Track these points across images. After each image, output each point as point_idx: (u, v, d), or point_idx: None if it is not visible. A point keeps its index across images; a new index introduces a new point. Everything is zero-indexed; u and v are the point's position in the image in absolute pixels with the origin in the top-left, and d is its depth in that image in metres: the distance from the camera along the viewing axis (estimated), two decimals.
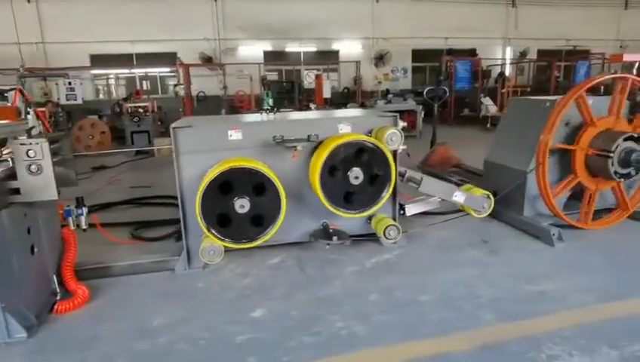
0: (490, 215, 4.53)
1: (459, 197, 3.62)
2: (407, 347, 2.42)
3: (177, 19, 17.12)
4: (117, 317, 2.87)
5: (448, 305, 2.86)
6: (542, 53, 21.05)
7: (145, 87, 17.54)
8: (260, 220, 3.26)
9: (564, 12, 21.07)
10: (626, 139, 3.74)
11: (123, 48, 16.97)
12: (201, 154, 3.35)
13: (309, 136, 3.34)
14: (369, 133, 3.58)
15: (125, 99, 13.48)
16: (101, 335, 2.65)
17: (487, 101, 13.23)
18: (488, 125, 13.06)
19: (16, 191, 2.71)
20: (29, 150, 2.69)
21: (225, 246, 3.30)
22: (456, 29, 19.66)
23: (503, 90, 16.38)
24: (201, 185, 3.09)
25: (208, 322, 2.75)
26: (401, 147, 3.67)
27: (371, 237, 3.86)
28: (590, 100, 4.14)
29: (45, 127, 3.26)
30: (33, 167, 2.72)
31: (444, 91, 7.10)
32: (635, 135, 3.77)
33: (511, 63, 20.45)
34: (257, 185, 3.20)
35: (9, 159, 2.79)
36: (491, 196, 3.73)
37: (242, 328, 2.67)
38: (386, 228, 3.56)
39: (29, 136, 2.84)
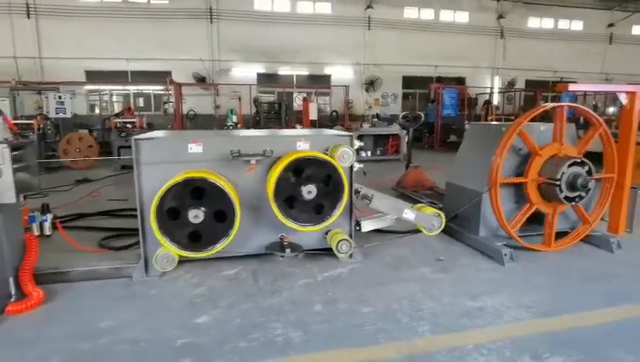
0: (450, 235, 4.69)
1: (409, 214, 3.76)
2: (334, 354, 2.51)
3: (173, 40, 17.58)
4: (65, 319, 2.94)
5: (388, 317, 2.95)
6: (529, 84, 21.61)
7: (139, 104, 17.89)
8: (214, 231, 3.38)
9: (552, 45, 21.79)
10: (570, 165, 3.92)
11: (118, 65, 17.34)
12: (161, 165, 3.48)
13: (264, 151, 3.50)
14: (326, 150, 3.75)
15: (117, 115, 13.71)
16: (45, 335, 2.73)
17: None
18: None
19: None
20: None
21: (180, 256, 3.42)
22: (446, 58, 20.25)
23: (489, 118, 16.78)
24: (157, 195, 3.22)
25: (153, 326, 2.84)
26: (357, 165, 3.83)
27: (329, 251, 3.97)
28: (542, 127, 4.35)
29: (13, 134, 3.39)
30: None
31: (419, 116, 7.33)
32: (579, 160, 3.95)
33: (499, 92, 20.97)
34: (213, 197, 3.33)
35: None
36: (442, 214, 3.87)
37: (184, 333, 2.75)
38: (339, 242, 3.68)
39: None
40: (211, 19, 17.97)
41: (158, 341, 2.67)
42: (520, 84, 21.56)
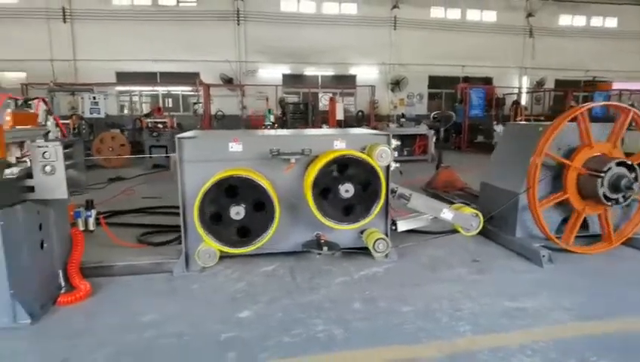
0: (485, 235, 4.63)
1: (447, 214, 3.74)
2: (378, 351, 2.53)
3: (201, 41, 17.90)
4: (111, 312, 3.05)
5: (428, 316, 2.95)
6: (559, 83, 21.08)
7: (167, 105, 18.29)
8: (253, 227, 3.45)
9: (584, 43, 21.20)
10: (618, 164, 3.82)
11: (148, 67, 17.77)
12: (203, 163, 3.58)
13: (303, 150, 3.55)
14: (363, 149, 3.76)
15: (146, 115, 14.04)
16: (95, 326, 2.84)
17: (498, 128, 13.36)
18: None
19: (31, 189, 2.96)
20: (45, 152, 2.95)
21: (221, 252, 3.49)
22: (473, 58, 19.98)
23: (517, 119, 16.45)
24: (200, 192, 3.31)
25: (196, 320, 2.91)
26: (394, 164, 3.84)
27: (364, 250, 3.99)
28: None
29: (62, 133, 3.54)
30: (47, 167, 2.97)
31: (451, 116, 7.26)
32: (629, 162, 3.83)
33: (527, 92, 20.53)
34: (253, 194, 3.40)
35: (27, 160, 3.07)
36: (480, 215, 3.83)
37: (228, 327, 2.82)
38: (376, 241, 3.70)
39: (46, 140, 3.11)
40: (238, 21, 18.21)
41: (202, 335, 2.74)
42: (549, 84, 21.06)
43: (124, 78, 18.02)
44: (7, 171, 2.83)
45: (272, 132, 3.90)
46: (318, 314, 2.95)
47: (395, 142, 3.83)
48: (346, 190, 3.49)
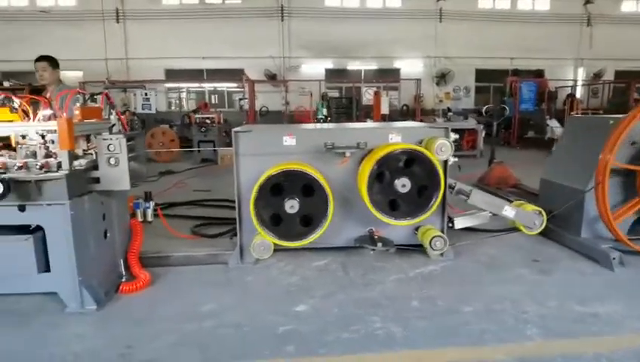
0: (544, 235, 4.39)
1: (509, 211, 3.56)
2: (442, 352, 2.44)
3: (246, 38, 18.13)
4: (171, 300, 3.13)
5: (491, 317, 2.82)
6: (620, 75, 19.74)
7: (213, 101, 18.71)
8: (308, 221, 3.43)
9: None
10: None
11: (195, 64, 18.22)
12: (258, 157, 3.59)
13: (358, 143, 3.48)
14: (419, 143, 3.65)
15: (194, 112, 14.42)
16: (155, 315, 2.91)
17: (553, 123, 12.69)
18: (554, 148, 12.50)
19: (97, 180, 3.08)
20: (110, 144, 3.05)
21: (275, 244, 3.50)
22: (523, 49, 19.08)
23: (572, 113, 15.58)
24: (255, 185, 3.32)
25: (253, 311, 2.93)
26: (452, 159, 3.69)
27: (417, 248, 3.88)
28: None
29: (123, 127, 3.65)
30: (112, 159, 3.07)
31: (503, 109, 6.95)
32: None
33: (583, 85, 19.38)
34: (307, 187, 3.38)
35: (93, 152, 3.19)
36: (543, 213, 3.62)
37: (285, 319, 2.81)
38: (432, 238, 3.57)
39: (110, 133, 3.22)
40: (282, 17, 18.31)
41: (259, 327, 2.74)
42: (608, 76, 19.76)
43: (172, 75, 18.57)
44: (76, 163, 2.95)
45: (325, 126, 3.86)
46: (375, 311, 2.89)
47: (453, 136, 3.68)
48: (403, 185, 3.38)
